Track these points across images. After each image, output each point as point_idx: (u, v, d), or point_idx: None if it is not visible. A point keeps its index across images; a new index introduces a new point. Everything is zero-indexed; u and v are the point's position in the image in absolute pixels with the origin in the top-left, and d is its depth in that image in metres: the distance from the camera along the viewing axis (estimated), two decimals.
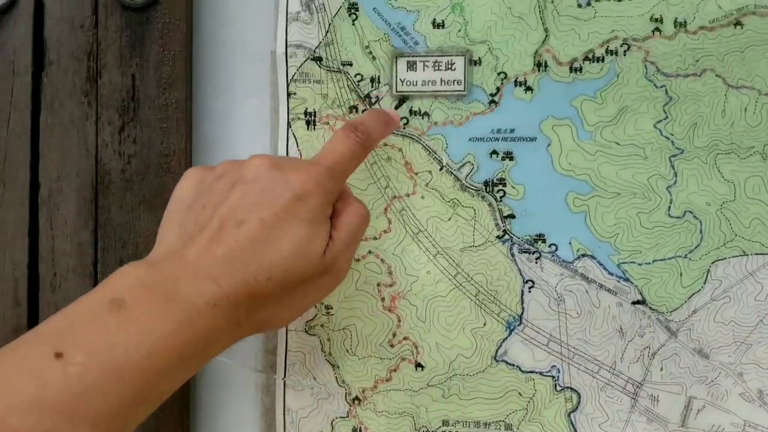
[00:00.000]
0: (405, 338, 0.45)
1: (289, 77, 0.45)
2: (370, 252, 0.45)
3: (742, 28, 0.43)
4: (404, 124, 0.45)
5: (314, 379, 0.46)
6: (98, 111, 0.44)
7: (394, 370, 0.45)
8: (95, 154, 0.44)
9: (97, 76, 0.44)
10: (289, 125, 0.45)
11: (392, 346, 0.45)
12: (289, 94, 0.45)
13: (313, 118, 0.45)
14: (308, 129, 0.45)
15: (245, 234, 0.35)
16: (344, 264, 0.39)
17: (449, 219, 0.45)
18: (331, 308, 0.45)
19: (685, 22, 0.43)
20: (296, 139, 0.45)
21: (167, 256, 0.36)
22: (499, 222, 0.45)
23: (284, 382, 0.46)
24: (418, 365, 0.45)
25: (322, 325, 0.45)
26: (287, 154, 0.45)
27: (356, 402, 0.46)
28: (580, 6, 0.44)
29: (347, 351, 0.45)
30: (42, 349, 0.31)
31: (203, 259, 0.35)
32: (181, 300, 0.34)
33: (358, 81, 0.45)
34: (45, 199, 0.45)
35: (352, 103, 0.45)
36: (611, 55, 0.44)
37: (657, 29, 0.43)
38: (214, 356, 0.36)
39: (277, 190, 0.36)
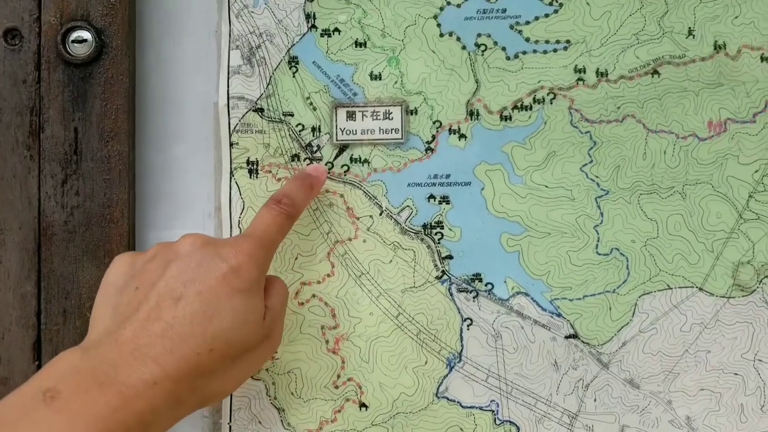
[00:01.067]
0: (349, 379, 0.46)
1: (232, 128, 0.47)
2: (313, 296, 0.47)
3: (659, 76, 0.46)
4: (345, 171, 0.47)
5: (260, 423, 0.46)
6: (41, 164, 0.45)
7: (339, 411, 0.46)
8: (38, 207, 0.45)
9: (39, 130, 0.45)
10: (232, 174, 0.47)
11: (337, 387, 0.46)
12: (231, 144, 0.47)
13: (255, 167, 0.47)
14: (251, 177, 0.47)
15: (183, 309, 0.36)
16: (279, 330, 0.41)
17: (390, 261, 0.47)
18: (276, 352, 0.46)
19: (607, 72, 0.46)
20: (239, 188, 0.47)
21: (102, 340, 0.36)
22: (438, 263, 0.47)
23: (230, 427, 0.46)
24: (363, 405, 0.46)
25: (267, 370, 0.46)
26: (230, 202, 0.47)
27: None
28: (508, 58, 0.46)
29: (292, 394, 0.46)
30: None
31: (141, 339, 0.35)
32: (117, 383, 0.34)
33: (300, 130, 0.47)
34: None
35: (294, 152, 0.47)
36: (538, 103, 0.46)
37: (580, 79, 0.46)
38: None
39: (212, 264, 0.37)
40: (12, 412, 0.33)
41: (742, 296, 0.46)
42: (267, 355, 0.41)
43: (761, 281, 0.45)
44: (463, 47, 0.46)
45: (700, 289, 0.46)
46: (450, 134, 0.47)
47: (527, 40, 0.46)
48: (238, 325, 0.37)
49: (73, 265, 0.45)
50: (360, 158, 0.47)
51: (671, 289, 0.46)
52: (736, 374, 0.46)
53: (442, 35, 0.46)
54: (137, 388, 0.34)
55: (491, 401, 0.46)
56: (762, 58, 0.46)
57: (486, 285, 0.46)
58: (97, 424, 0.33)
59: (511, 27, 0.46)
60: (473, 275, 0.46)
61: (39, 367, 0.45)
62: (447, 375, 0.46)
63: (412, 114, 0.47)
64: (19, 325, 0.45)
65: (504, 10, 0.46)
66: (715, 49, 0.46)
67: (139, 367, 0.34)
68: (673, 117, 0.46)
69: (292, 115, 0.47)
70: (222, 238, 0.40)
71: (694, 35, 0.46)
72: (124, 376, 0.34)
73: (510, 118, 0.46)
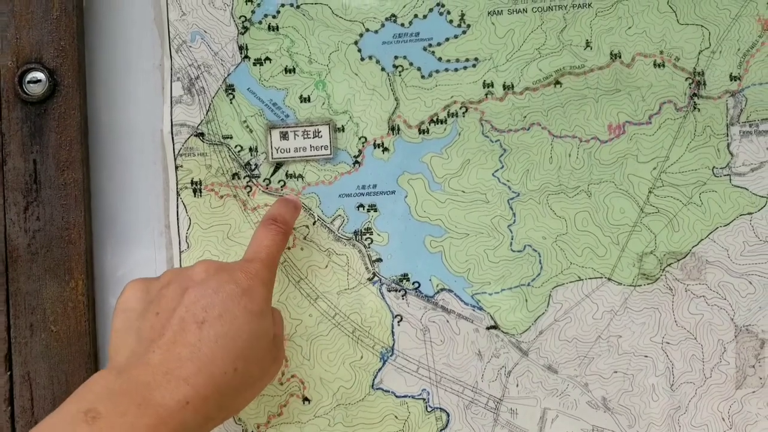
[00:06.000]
0: (293, 376, 0.51)
1: (176, 152, 0.51)
2: None
3: (561, 86, 0.50)
4: (281, 186, 0.51)
5: None
6: (5, 194, 0.49)
7: (284, 406, 0.51)
8: (4, 232, 0.49)
9: (2, 163, 0.49)
10: (178, 194, 0.51)
11: (282, 384, 0.51)
12: (176, 167, 0.51)
13: (199, 186, 0.51)
14: (195, 196, 0.51)
15: (208, 332, 0.38)
16: (282, 355, 0.45)
17: (326, 266, 0.51)
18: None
19: (513, 85, 0.50)
20: (185, 207, 0.51)
21: (133, 362, 0.38)
22: (369, 266, 0.51)
23: None
24: (305, 399, 0.51)
25: None
26: (177, 220, 0.51)
27: None
28: (423, 77, 0.51)
29: None
30: None
31: (170, 362, 0.37)
32: (153, 404, 0.36)
33: (238, 151, 0.52)
34: None
35: (234, 171, 0.52)
36: (452, 117, 0.51)
37: (489, 92, 0.50)
38: None
39: (228, 289, 0.40)
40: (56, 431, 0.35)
41: (648, 284, 0.50)
42: (274, 376, 0.44)
43: (664, 270, 0.49)
44: (383, 69, 0.51)
45: (609, 279, 0.50)
46: (374, 148, 0.51)
47: (439, 59, 0.51)
48: (254, 346, 0.40)
49: (37, 283, 0.50)
50: (294, 174, 0.51)
51: (582, 280, 0.50)
52: (646, 357, 0.50)
53: (363, 59, 0.51)
54: (171, 408, 0.36)
55: (422, 390, 0.50)
56: (655, 64, 0.50)
57: (413, 284, 0.51)
58: None
59: (425, 49, 0.51)
60: (401, 275, 0.51)
61: (11, 377, 0.50)
62: (381, 368, 0.50)
63: (339, 131, 0.51)
64: None
65: (417, 34, 0.51)
66: (611, 58, 0.50)
67: (172, 389, 0.37)
68: (576, 123, 0.50)
69: (231, 138, 0.52)
70: (231, 263, 0.43)
71: (591, 47, 0.50)
72: (159, 397, 0.36)
73: (427, 131, 0.51)
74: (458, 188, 0.50)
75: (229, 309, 0.40)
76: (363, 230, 0.51)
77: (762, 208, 0.49)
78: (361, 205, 0.51)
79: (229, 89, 0.52)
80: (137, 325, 0.40)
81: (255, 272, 0.42)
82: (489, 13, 0.50)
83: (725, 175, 0.49)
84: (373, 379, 0.50)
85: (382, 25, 0.51)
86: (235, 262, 0.44)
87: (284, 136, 0.51)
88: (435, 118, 0.51)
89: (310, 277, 0.51)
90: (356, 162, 0.51)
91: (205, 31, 0.51)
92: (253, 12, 0.51)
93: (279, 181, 0.51)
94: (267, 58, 0.51)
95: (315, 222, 0.51)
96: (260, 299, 0.41)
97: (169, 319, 0.39)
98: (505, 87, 0.50)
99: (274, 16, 0.51)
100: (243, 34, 0.51)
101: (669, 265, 0.49)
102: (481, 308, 0.50)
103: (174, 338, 0.38)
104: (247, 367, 0.40)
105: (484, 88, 0.50)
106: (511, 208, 0.50)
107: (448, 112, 0.51)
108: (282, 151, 0.51)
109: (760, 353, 0.49)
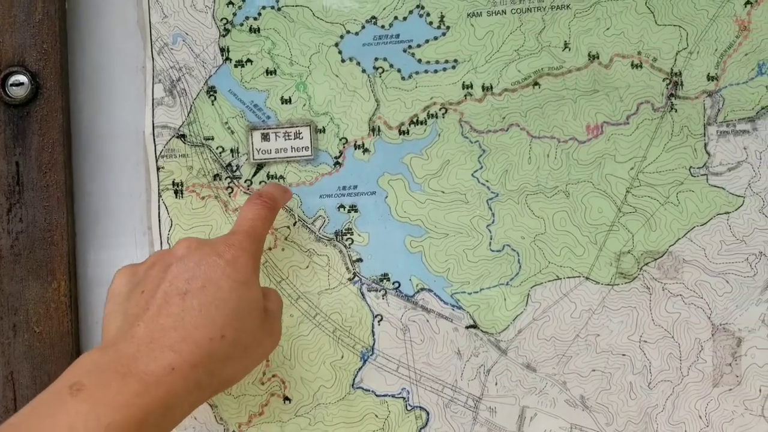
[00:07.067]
0: (274, 375, 0.51)
1: (158, 153, 0.52)
2: None
3: (539, 87, 0.51)
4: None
5: (195, 418, 0.51)
6: None
7: (266, 405, 0.51)
8: None
9: None
10: (159, 196, 0.52)
11: (263, 383, 0.51)
12: (158, 169, 0.52)
13: (180, 187, 0.52)
14: (176, 197, 0.52)
15: (191, 301, 0.39)
16: (278, 329, 0.44)
17: (307, 267, 0.51)
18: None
19: (491, 86, 0.51)
20: (167, 208, 0.52)
21: (119, 338, 0.38)
22: (350, 266, 0.51)
23: None
24: (286, 398, 0.51)
25: None
26: (159, 222, 0.52)
27: None
28: (403, 78, 0.51)
29: (223, 391, 0.51)
30: None
31: (154, 333, 0.38)
32: (138, 372, 0.36)
33: (220, 152, 0.52)
34: None
35: (215, 172, 0.52)
36: (432, 118, 0.51)
37: (468, 94, 0.51)
38: (177, 423, 0.38)
39: (210, 261, 0.41)
40: (42, 406, 0.35)
41: (625, 283, 0.50)
42: (270, 349, 0.44)
43: (641, 269, 0.50)
44: (363, 71, 0.51)
45: (587, 278, 0.50)
46: (355, 149, 0.51)
47: (419, 61, 0.51)
48: (242, 314, 0.40)
49: (20, 284, 0.50)
50: (276, 175, 0.52)
51: (560, 279, 0.50)
52: (623, 355, 0.50)
53: (343, 61, 0.51)
54: (157, 375, 0.36)
55: (402, 389, 0.51)
56: (633, 65, 0.50)
57: (393, 283, 0.51)
58: (121, 410, 0.35)
59: (405, 50, 0.51)
60: (381, 275, 0.51)
61: None
62: (361, 367, 0.51)
63: (320, 132, 0.52)
64: None
65: (398, 36, 0.51)
66: (589, 59, 0.50)
67: (156, 356, 0.37)
68: (554, 123, 0.50)
69: (212, 139, 0.52)
70: (214, 238, 0.43)
71: (569, 48, 0.50)
72: (144, 365, 0.36)
73: (408, 132, 0.51)
74: (438, 189, 0.51)
75: (212, 279, 0.40)
76: (344, 231, 0.51)
77: (739, 207, 0.49)
78: (342, 206, 0.51)
79: (211, 91, 0.52)
80: (124, 306, 0.41)
81: (238, 243, 0.42)
82: (468, 15, 0.51)
83: (702, 175, 0.50)
84: (354, 378, 0.51)
85: (363, 27, 0.51)
86: (219, 236, 0.44)
87: (265, 137, 0.52)
88: (415, 119, 0.51)
89: (291, 278, 0.51)
90: (337, 163, 0.52)
91: (187, 34, 0.52)
92: (234, 14, 0.52)
93: (260, 182, 0.52)
94: (248, 60, 0.52)
95: (296, 222, 0.52)
96: (245, 268, 0.41)
97: (154, 295, 0.40)
98: (484, 88, 0.51)
99: (255, 18, 0.52)
100: (224, 36, 0.52)
101: (646, 264, 0.50)
102: (460, 307, 0.50)
103: (158, 311, 0.39)
104: (236, 335, 0.40)
105: (463, 89, 0.51)
106: (490, 208, 0.51)
107: (428, 113, 0.51)
108: (263, 152, 0.52)
109: (737, 351, 0.49)
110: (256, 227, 0.45)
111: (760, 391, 0.49)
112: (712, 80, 0.50)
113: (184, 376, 0.37)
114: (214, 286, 0.40)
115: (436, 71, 0.51)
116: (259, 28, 0.52)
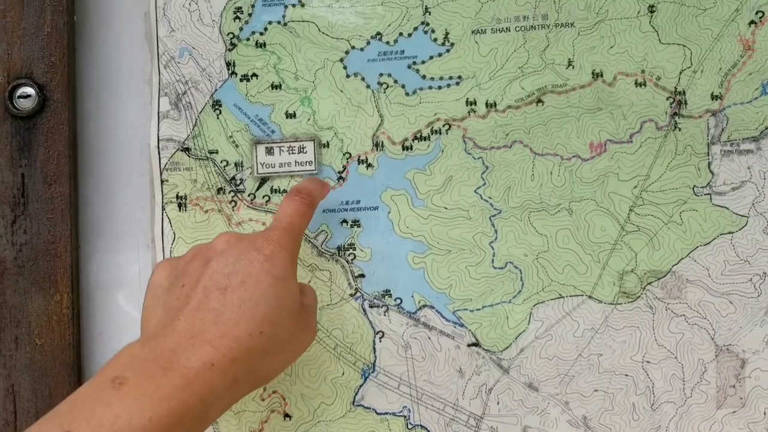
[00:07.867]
0: (274, 392, 0.51)
1: (162, 166, 0.52)
2: None
3: (543, 104, 0.51)
4: (266, 201, 0.52)
5: None
6: None
7: (266, 422, 0.51)
8: None
9: None
10: (163, 209, 0.52)
11: (263, 399, 0.51)
12: (162, 181, 0.52)
13: (184, 201, 0.52)
14: (180, 211, 0.52)
15: (231, 297, 0.39)
16: (314, 325, 0.45)
17: (309, 281, 0.51)
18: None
19: (495, 103, 0.51)
20: (170, 221, 0.52)
21: (159, 332, 0.39)
22: (352, 282, 0.51)
23: None
24: (287, 415, 0.51)
25: None
26: (162, 234, 0.52)
27: None
28: (407, 94, 0.51)
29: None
30: (50, 429, 0.34)
31: (195, 327, 0.38)
32: (179, 366, 0.37)
33: (224, 166, 0.52)
34: None
35: (219, 186, 0.52)
36: (436, 134, 0.51)
37: (472, 110, 0.51)
38: (216, 418, 0.39)
39: (249, 256, 0.41)
40: (85, 400, 0.35)
41: (628, 302, 0.50)
42: (307, 344, 0.44)
43: (644, 288, 0.50)
44: (368, 86, 0.51)
45: (590, 297, 0.50)
46: (359, 164, 0.51)
47: (424, 77, 0.51)
48: (280, 310, 0.40)
49: (23, 296, 0.50)
50: (279, 189, 0.52)
51: (563, 297, 0.50)
52: (626, 375, 0.50)
53: (348, 76, 0.52)
54: (197, 370, 0.37)
55: (403, 407, 0.50)
56: (636, 84, 0.50)
57: (395, 300, 0.51)
58: (162, 403, 0.35)
59: (409, 66, 0.51)
60: (383, 291, 0.51)
61: None
62: (362, 384, 0.51)
63: (324, 147, 0.52)
64: None
65: (402, 52, 0.51)
66: (593, 77, 0.50)
67: (197, 351, 0.37)
68: (558, 141, 0.50)
69: (216, 153, 0.52)
70: (253, 233, 0.44)
71: (573, 65, 0.50)
72: (185, 359, 0.37)
73: (411, 148, 0.51)
74: (441, 205, 0.51)
75: (251, 275, 0.40)
76: (346, 246, 0.51)
77: (742, 227, 0.49)
78: (345, 221, 0.51)
79: (216, 105, 0.52)
80: (164, 299, 0.41)
81: (276, 239, 0.42)
82: (473, 32, 0.51)
83: (706, 194, 0.49)
84: (354, 396, 0.51)
85: (368, 43, 0.51)
86: (258, 232, 0.45)
87: (269, 151, 0.52)
88: (418, 135, 0.51)
89: None
90: (340, 177, 0.52)
91: (194, 48, 0.52)
92: (241, 29, 0.52)
93: (264, 196, 0.52)
94: (254, 75, 0.52)
95: None
96: (283, 264, 0.42)
97: (194, 289, 0.40)
98: (487, 105, 0.51)
99: (261, 33, 0.52)
100: (231, 50, 0.52)
101: (649, 283, 0.50)
102: (462, 325, 0.50)
103: (198, 305, 0.39)
104: (274, 331, 0.40)
105: (467, 105, 0.51)
106: (493, 225, 0.51)
107: (432, 129, 0.51)
108: (267, 166, 0.52)
109: (741, 373, 0.49)
110: (294, 223, 0.45)
111: (765, 413, 0.49)
112: (716, 99, 0.50)
113: (223, 371, 0.38)
114: (253, 282, 0.40)
115: (440, 87, 0.51)
116: (265, 43, 0.52)
